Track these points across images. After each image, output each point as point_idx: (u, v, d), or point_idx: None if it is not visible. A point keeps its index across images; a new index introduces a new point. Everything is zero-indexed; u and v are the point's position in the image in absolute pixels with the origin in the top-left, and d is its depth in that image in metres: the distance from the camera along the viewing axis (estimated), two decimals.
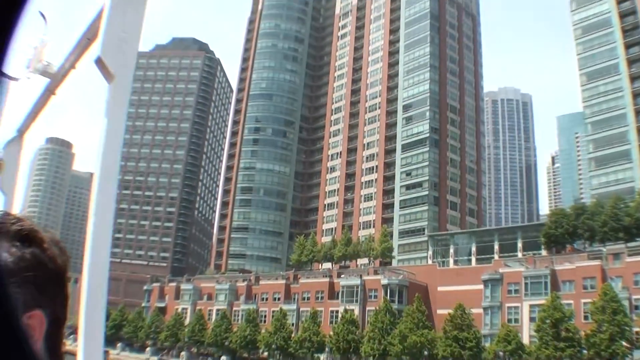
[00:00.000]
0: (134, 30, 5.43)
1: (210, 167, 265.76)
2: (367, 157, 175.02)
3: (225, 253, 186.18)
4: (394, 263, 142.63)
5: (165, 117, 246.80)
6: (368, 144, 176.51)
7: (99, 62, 5.04)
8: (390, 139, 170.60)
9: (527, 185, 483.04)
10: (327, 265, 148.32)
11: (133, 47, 5.36)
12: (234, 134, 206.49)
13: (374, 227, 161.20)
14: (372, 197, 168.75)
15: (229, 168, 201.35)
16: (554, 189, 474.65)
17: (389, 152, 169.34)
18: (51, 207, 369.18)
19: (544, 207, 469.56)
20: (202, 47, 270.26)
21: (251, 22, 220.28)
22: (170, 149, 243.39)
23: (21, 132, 8.36)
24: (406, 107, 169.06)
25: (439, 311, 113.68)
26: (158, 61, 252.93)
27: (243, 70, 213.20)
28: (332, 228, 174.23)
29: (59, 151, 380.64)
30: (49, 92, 8.13)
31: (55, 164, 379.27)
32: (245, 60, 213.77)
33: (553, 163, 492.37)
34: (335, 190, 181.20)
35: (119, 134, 5.08)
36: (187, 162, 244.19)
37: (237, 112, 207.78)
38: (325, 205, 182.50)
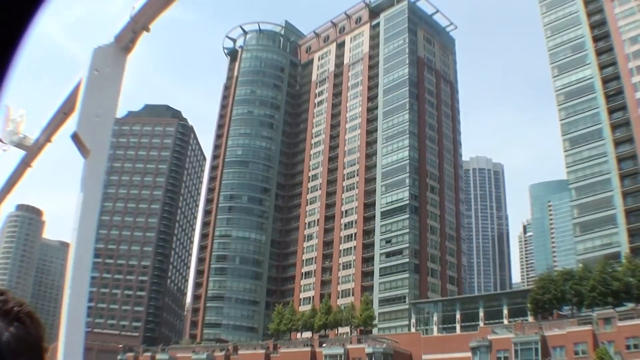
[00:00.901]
0: (110, 106, 5.86)
1: (182, 235, 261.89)
2: (345, 225, 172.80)
3: (200, 322, 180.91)
4: (375, 331, 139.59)
5: (137, 184, 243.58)
6: (346, 211, 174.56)
7: (76, 137, 5.36)
8: (369, 206, 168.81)
9: (499, 254, 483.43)
10: (306, 334, 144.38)
11: (109, 123, 5.83)
12: (208, 201, 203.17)
13: (353, 295, 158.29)
14: (351, 265, 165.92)
15: (204, 236, 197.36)
16: (526, 257, 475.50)
17: (368, 219, 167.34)
18: (21, 275, 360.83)
19: (516, 276, 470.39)
20: (175, 114, 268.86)
21: (226, 88, 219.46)
22: (142, 217, 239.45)
23: None
24: (385, 174, 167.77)
25: None
26: (131, 128, 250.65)
27: (218, 137, 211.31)
28: (310, 297, 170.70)
29: (29, 218, 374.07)
30: (24, 164, 8.33)
31: (25, 231, 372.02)
32: (220, 127, 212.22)
33: (525, 232, 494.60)
34: (312, 258, 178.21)
35: (94, 208, 5.46)
36: (160, 230, 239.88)
37: (212, 179, 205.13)
38: (302, 273, 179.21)
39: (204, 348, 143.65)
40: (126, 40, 6.15)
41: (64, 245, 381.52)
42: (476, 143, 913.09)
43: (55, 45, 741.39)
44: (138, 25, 6.03)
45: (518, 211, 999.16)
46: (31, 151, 7.98)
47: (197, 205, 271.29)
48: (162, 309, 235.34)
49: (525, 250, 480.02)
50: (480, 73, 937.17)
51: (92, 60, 5.91)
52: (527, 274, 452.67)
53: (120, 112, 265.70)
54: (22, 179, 8.67)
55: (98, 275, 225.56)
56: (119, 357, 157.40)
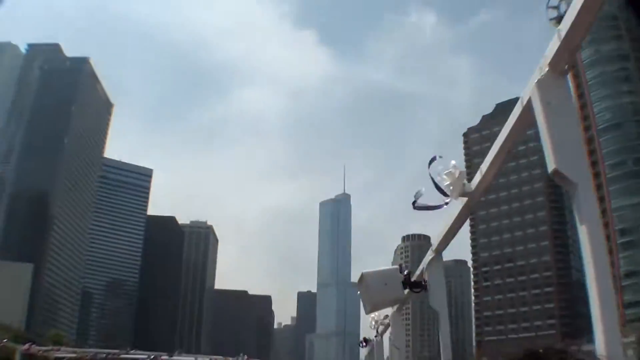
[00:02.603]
0: (574, 134, 5.82)
1: (574, 219, 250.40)
2: None
3: (620, 304, 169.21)
4: None
5: (515, 182, 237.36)
6: None
7: (556, 174, 5.55)
8: None
9: None
10: None
11: (578, 148, 5.83)
12: (595, 175, 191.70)
13: None
14: None
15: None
16: None
17: None
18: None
19: None
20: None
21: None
22: (530, 214, 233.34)
23: (439, 251, 9.05)
24: None
25: None
26: (491, 130, 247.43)
27: (582, 107, 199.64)
28: None
29: (419, 246, 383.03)
30: (465, 210, 8.55)
31: (417, 259, 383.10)
32: (580, 96, 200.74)
33: None
34: None
35: (599, 237, 5.49)
36: (552, 222, 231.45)
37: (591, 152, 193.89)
38: None
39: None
40: (561, 64, 5.91)
41: (458, 263, 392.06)
42: None
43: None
44: (572, 43, 5.79)
45: None
46: (473, 197, 8.04)
47: None
48: (572, 300, 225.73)
49: None
50: None
51: (540, 94, 5.87)
52: None
53: (473, 119, 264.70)
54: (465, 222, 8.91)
55: (501, 281, 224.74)
56: None
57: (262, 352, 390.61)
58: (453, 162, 8.19)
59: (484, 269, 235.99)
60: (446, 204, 8.16)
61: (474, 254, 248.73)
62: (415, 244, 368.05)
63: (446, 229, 8.98)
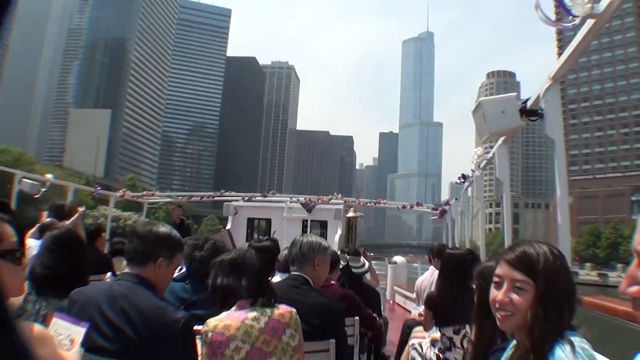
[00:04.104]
0: None
1: None
2: None
3: None
4: None
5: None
6: None
7: None
8: None
9: None
10: None
11: None
12: None
13: None
14: None
15: None
16: None
17: None
18: None
19: None
20: None
21: None
22: (620, 50, 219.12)
23: (556, 78, 7.36)
24: None
25: None
26: None
27: None
28: None
29: (504, 82, 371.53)
30: (591, 34, 6.73)
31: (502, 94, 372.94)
32: None
33: None
34: None
35: None
36: None
37: None
38: None
39: None
40: None
41: None
42: None
43: None
44: None
45: None
46: (601, 18, 5.88)
47: None
48: None
49: None
50: None
51: None
52: None
53: None
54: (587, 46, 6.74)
55: (589, 119, 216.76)
56: (632, 197, 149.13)
57: (343, 191, 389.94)
58: None
59: (572, 106, 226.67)
60: (572, 25, 6.24)
61: (561, 90, 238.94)
62: (501, 81, 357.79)
63: (568, 53, 6.92)
